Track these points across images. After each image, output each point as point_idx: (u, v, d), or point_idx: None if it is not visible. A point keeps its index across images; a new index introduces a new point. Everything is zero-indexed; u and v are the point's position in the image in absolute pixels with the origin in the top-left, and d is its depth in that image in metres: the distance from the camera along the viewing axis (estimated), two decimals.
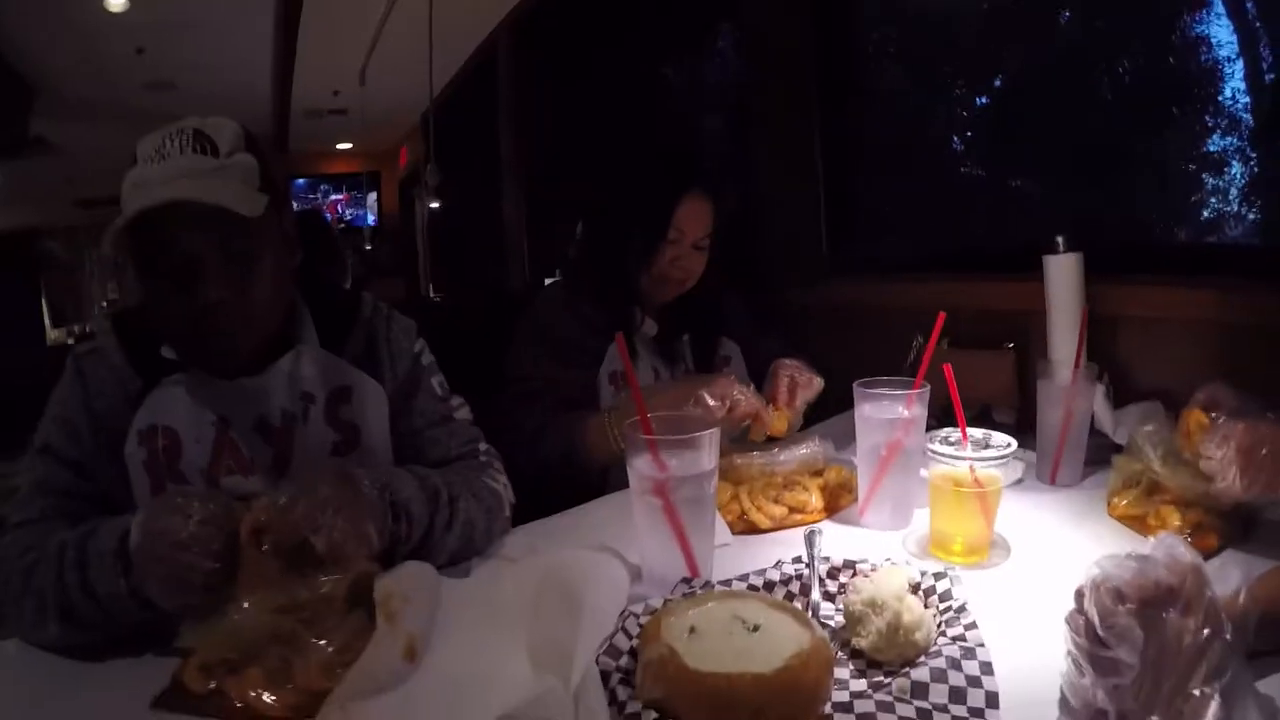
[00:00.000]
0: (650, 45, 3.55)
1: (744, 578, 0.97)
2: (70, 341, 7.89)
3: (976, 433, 1.14)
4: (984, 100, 2.33)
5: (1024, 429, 1.50)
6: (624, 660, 0.80)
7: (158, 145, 1.05)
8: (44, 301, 9.63)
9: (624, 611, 0.88)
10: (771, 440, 1.48)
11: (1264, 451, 1.00)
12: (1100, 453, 1.41)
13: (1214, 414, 1.11)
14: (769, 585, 0.96)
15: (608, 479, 1.56)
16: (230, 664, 0.82)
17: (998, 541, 1.12)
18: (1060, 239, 1.58)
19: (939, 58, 2.34)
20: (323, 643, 0.83)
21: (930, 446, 1.10)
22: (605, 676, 0.77)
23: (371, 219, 9.04)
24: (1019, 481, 1.40)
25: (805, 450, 1.37)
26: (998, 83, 2.26)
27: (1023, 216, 2.12)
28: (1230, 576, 0.79)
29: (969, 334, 1.90)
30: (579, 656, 0.80)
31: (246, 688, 0.80)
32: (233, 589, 0.88)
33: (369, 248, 8.07)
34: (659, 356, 1.79)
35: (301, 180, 8.87)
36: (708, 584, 0.96)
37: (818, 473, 1.35)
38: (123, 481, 1.12)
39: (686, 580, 0.97)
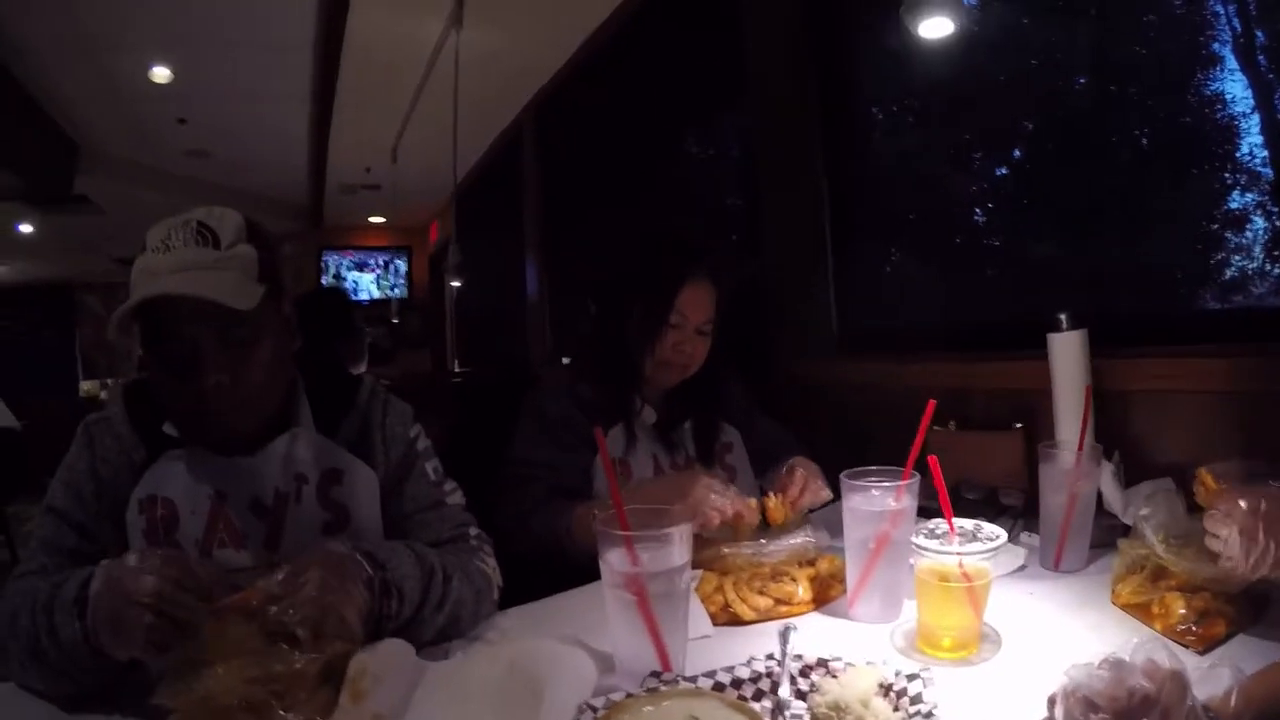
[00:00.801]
0: (663, 127, 3.61)
1: (711, 674, 0.92)
2: (102, 394, 8.07)
3: (966, 523, 1.08)
4: (996, 172, 2.30)
5: (1032, 512, 1.46)
6: None
7: (164, 236, 1.11)
8: (78, 353, 9.81)
9: (582, 706, 0.85)
10: (765, 527, 1.44)
11: (1270, 523, 0.94)
12: (1111, 535, 1.34)
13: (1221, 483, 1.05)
14: (737, 682, 0.91)
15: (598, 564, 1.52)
16: None
17: (989, 634, 1.06)
18: (1063, 316, 1.54)
19: (946, 131, 2.33)
20: (289, 715, 0.85)
21: (915, 541, 1.05)
22: None
23: (395, 292, 9.18)
24: (1021, 568, 1.34)
25: (797, 540, 1.31)
26: (1010, 153, 2.24)
27: (1034, 290, 2.08)
28: (1221, 676, 0.73)
29: (979, 414, 1.87)
30: None
31: None
32: (199, 649, 0.90)
33: (396, 321, 8.16)
34: (659, 443, 1.75)
35: (334, 251, 9.06)
36: (678, 678, 0.92)
37: (810, 562, 1.30)
38: (123, 546, 1.15)
39: (657, 674, 0.93)
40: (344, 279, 8.99)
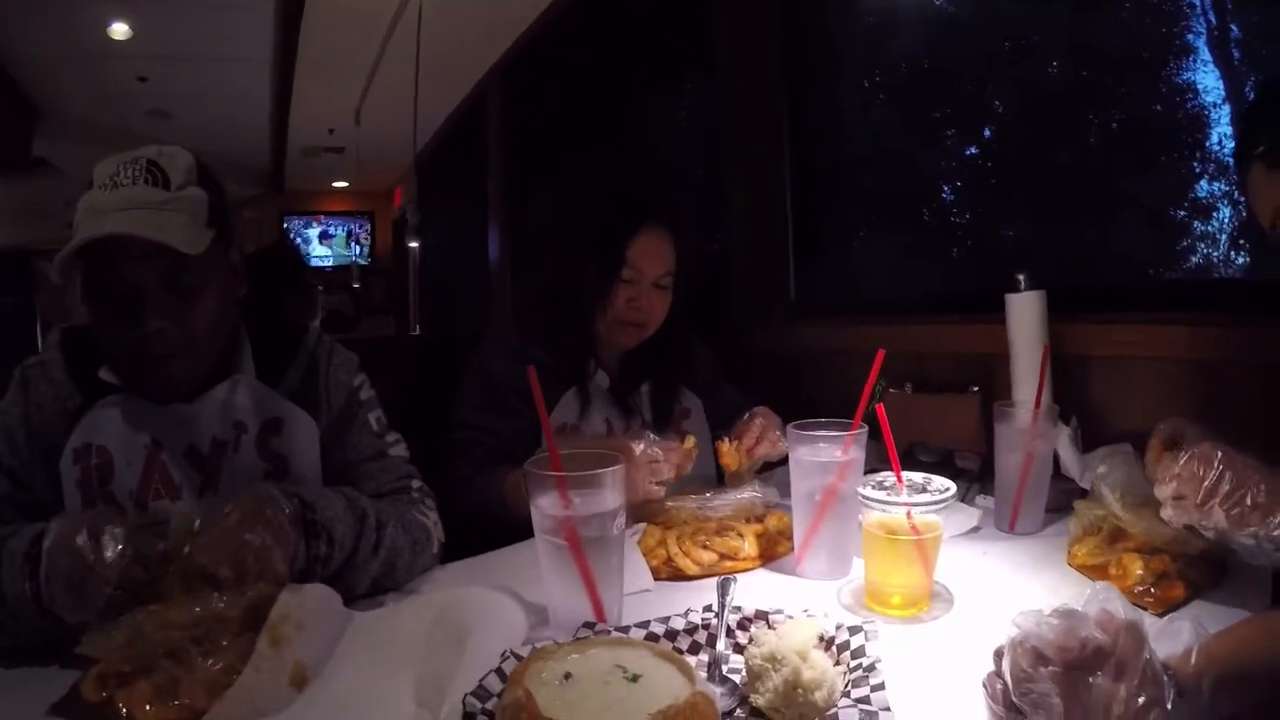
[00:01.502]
0: (630, 93, 3.54)
1: (645, 624, 0.88)
2: None
3: (915, 476, 1.04)
4: (966, 150, 2.28)
5: (988, 475, 1.44)
6: (491, 703, 0.73)
7: (112, 172, 1.08)
8: (37, 320, 9.60)
9: (505, 652, 0.81)
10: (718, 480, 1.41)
11: (1221, 475, 0.91)
12: (1067, 499, 1.31)
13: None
14: (671, 634, 0.87)
15: None
16: (124, 676, 0.82)
17: (940, 592, 1.03)
18: (1021, 277, 1.51)
19: (916, 107, 2.30)
20: (210, 661, 0.83)
21: (862, 491, 1.01)
22: (469, 718, 0.72)
23: (357, 256, 9.04)
24: (976, 529, 1.31)
25: (744, 495, 1.27)
26: (980, 131, 2.21)
27: (993, 259, 2.06)
28: (1181, 632, 0.68)
29: (935, 378, 1.84)
30: (451, 694, 0.76)
31: (135, 701, 0.80)
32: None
33: (356, 285, 8.03)
34: (614, 408, 1.67)
35: (296, 216, 8.88)
36: (611, 629, 0.87)
37: (758, 518, 1.26)
38: (56, 494, 1.13)
39: (590, 625, 0.89)
40: (304, 244, 8.81)
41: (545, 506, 0.94)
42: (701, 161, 3.20)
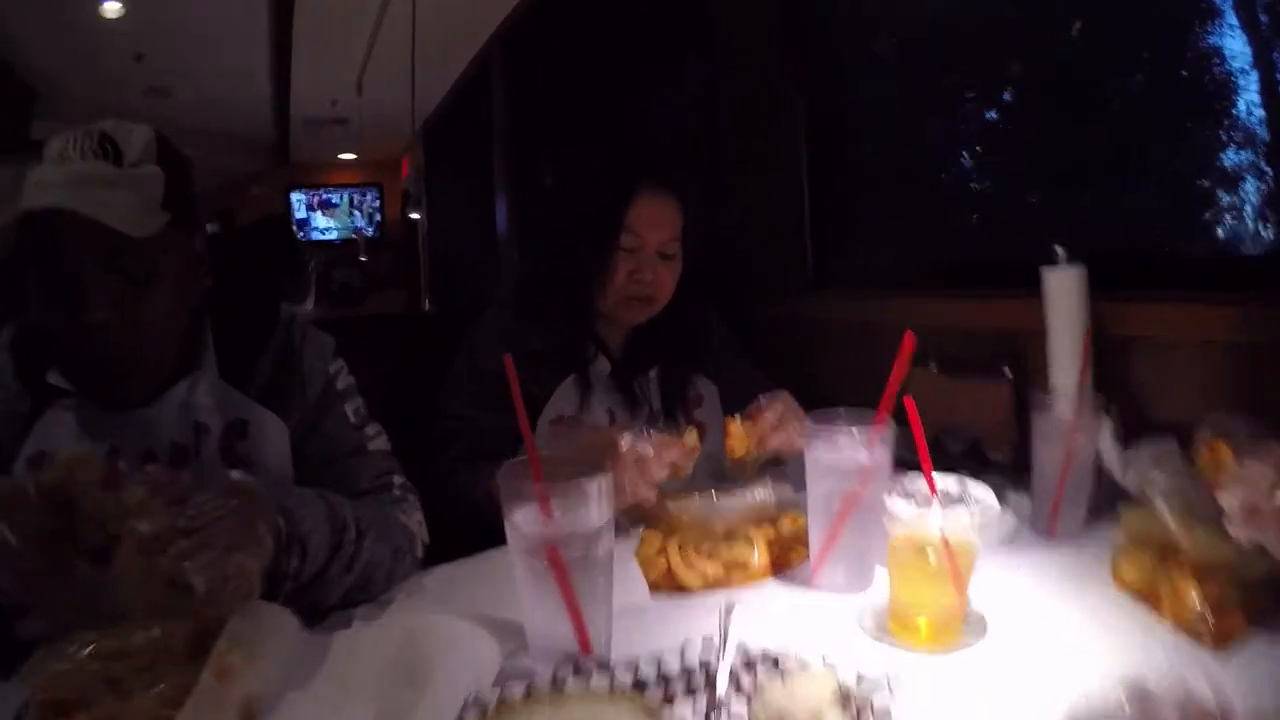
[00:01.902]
0: (631, 53, 3.37)
1: (634, 666, 0.76)
2: None
3: (950, 482, 0.92)
4: (986, 109, 2.12)
5: (1022, 468, 1.30)
6: None
7: (62, 146, 0.99)
8: None
9: (469, 701, 0.71)
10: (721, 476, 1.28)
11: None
12: (1109, 499, 1.18)
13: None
14: (665, 678, 0.75)
15: None
16: (65, 706, 0.74)
17: (973, 616, 0.91)
18: (1060, 250, 1.36)
19: (936, 61, 2.14)
20: (153, 692, 0.74)
21: (889, 505, 0.88)
22: None
23: (364, 228, 8.92)
24: (1010, 534, 1.18)
25: (755, 496, 1.14)
26: (1001, 92, 2.06)
27: (1026, 228, 1.91)
28: None
29: (962, 358, 1.70)
30: None
31: None
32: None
33: (364, 259, 7.93)
34: (617, 395, 1.54)
35: (303, 190, 8.77)
36: (594, 667, 0.76)
37: (770, 521, 1.14)
38: None
39: (572, 658, 0.79)
40: (308, 218, 8.72)
41: (521, 523, 0.82)
42: (710, 124, 3.04)
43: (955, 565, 0.84)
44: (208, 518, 0.81)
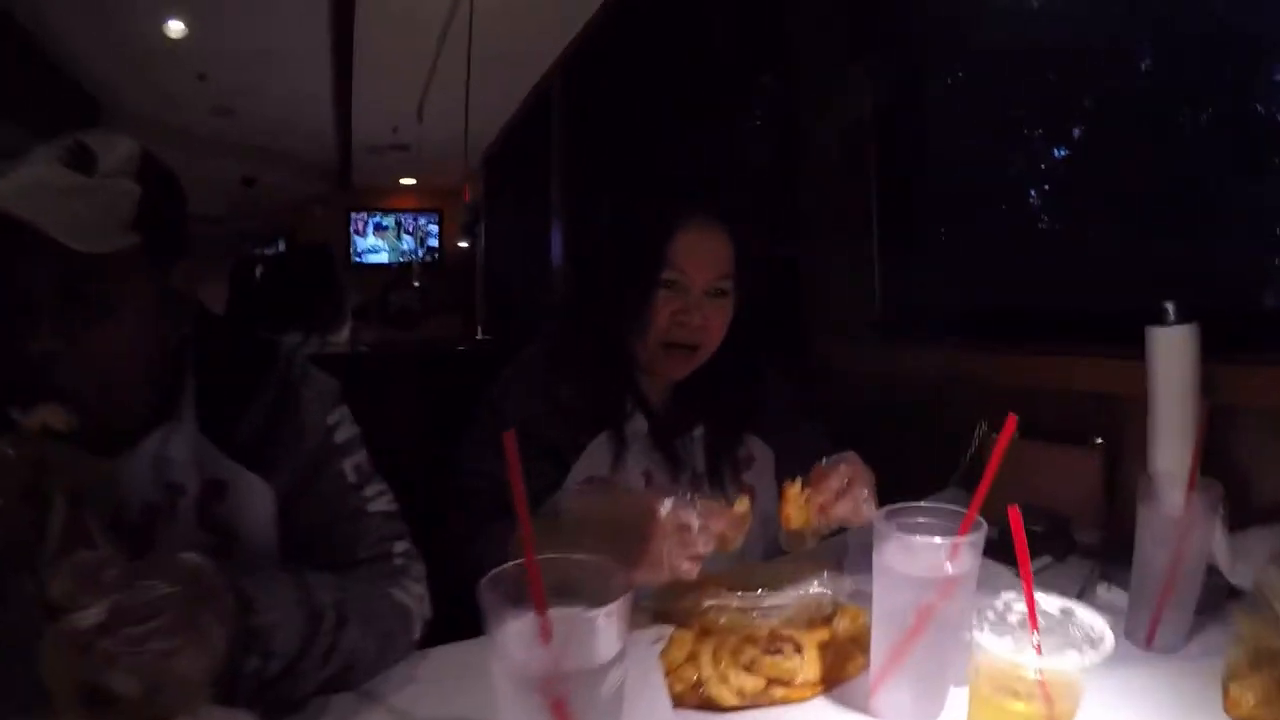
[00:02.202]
0: (699, 87, 3.25)
1: None
2: None
3: (1052, 605, 0.74)
4: (1073, 143, 1.94)
5: (1112, 555, 1.15)
6: None
7: (35, 150, 0.89)
8: None
9: None
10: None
11: None
12: (1215, 597, 1.03)
13: None
14: None
15: None
16: None
17: None
18: (1169, 306, 1.18)
19: (1015, 99, 1.97)
20: None
21: (975, 631, 0.71)
22: None
23: (412, 253, 8.95)
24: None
25: (809, 590, 0.98)
26: (1076, 130, 1.88)
27: (1120, 278, 1.71)
28: None
29: (1048, 422, 1.52)
30: None
31: None
32: None
33: (418, 284, 7.95)
34: (657, 456, 1.37)
35: (362, 215, 8.86)
36: None
37: (825, 619, 0.98)
38: None
39: None
40: (353, 241, 8.81)
41: (512, 647, 0.66)
42: (773, 159, 2.89)
43: (1053, 712, 0.68)
44: (144, 612, 0.68)
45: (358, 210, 8.74)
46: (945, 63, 2.12)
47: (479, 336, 6.60)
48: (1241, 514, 1.12)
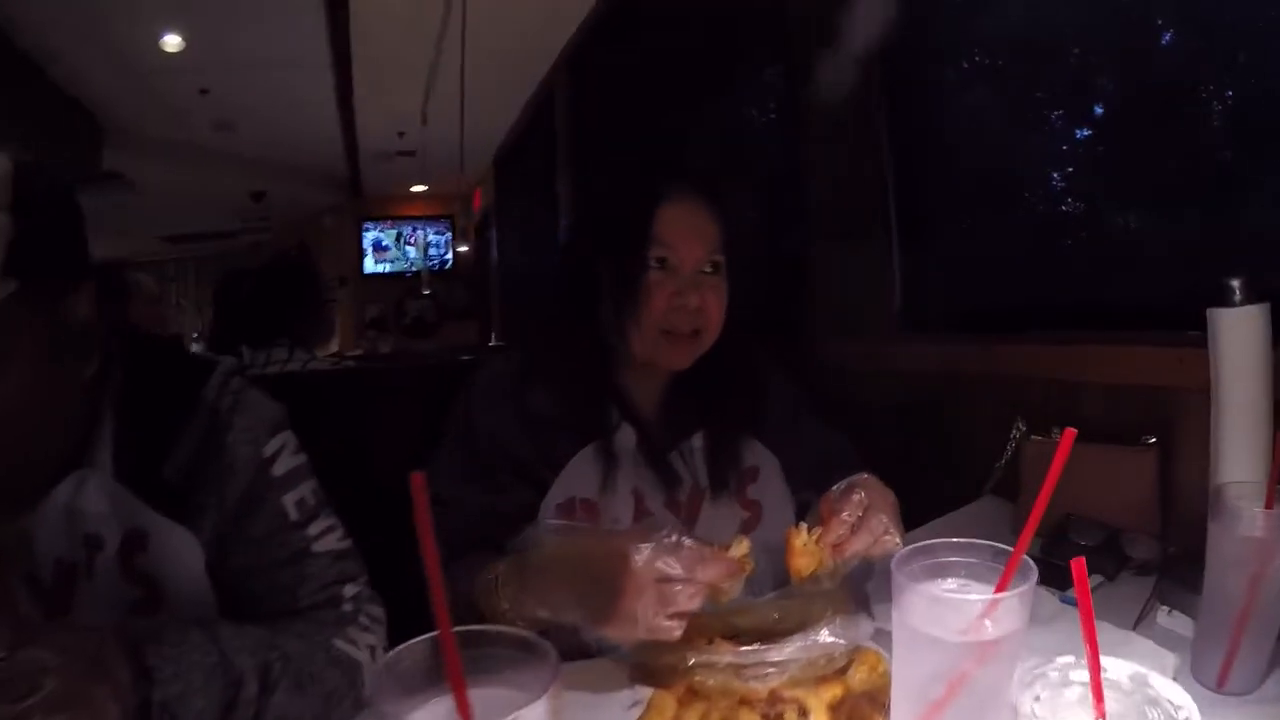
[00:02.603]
0: (702, 80, 3.12)
1: None
2: None
3: (1120, 672, 0.57)
4: (1086, 129, 1.76)
5: (1171, 568, 1.01)
6: None
7: None
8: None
9: None
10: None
11: None
12: None
13: None
14: None
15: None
16: None
17: None
18: (1235, 283, 1.01)
19: (1034, 79, 1.81)
20: None
21: (1022, 710, 0.55)
22: None
23: (413, 263, 8.89)
24: None
25: (818, 639, 0.82)
26: (1098, 109, 1.71)
27: (1168, 259, 1.55)
28: None
29: (1094, 420, 1.38)
30: None
31: None
32: None
33: (427, 292, 7.86)
34: (649, 471, 1.21)
35: (374, 224, 8.81)
36: None
37: (839, 671, 0.83)
38: None
39: None
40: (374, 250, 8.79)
41: None
42: (783, 147, 2.74)
43: None
44: (21, 687, 0.60)
45: (369, 219, 8.68)
46: (959, 45, 1.96)
47: (492, 343, 6.49)
48: None
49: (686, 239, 1.19)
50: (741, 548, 0.90)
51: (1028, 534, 0.62)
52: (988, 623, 0.62)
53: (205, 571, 0.90)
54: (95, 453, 0.87)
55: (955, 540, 0.68)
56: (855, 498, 0.98)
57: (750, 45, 2.72)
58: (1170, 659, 0.85)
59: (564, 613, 0.88)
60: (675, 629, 0.83)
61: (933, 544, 0.68)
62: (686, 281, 1.18)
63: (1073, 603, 1.05)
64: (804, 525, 0.95)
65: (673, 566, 0.84)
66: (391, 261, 8.82)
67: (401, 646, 0.55)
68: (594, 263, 1.23)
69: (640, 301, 1.17)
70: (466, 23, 3.60)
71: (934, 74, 1.97)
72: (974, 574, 0.67)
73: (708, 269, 1.21)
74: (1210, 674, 0.84)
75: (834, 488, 1.01)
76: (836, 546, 0.95)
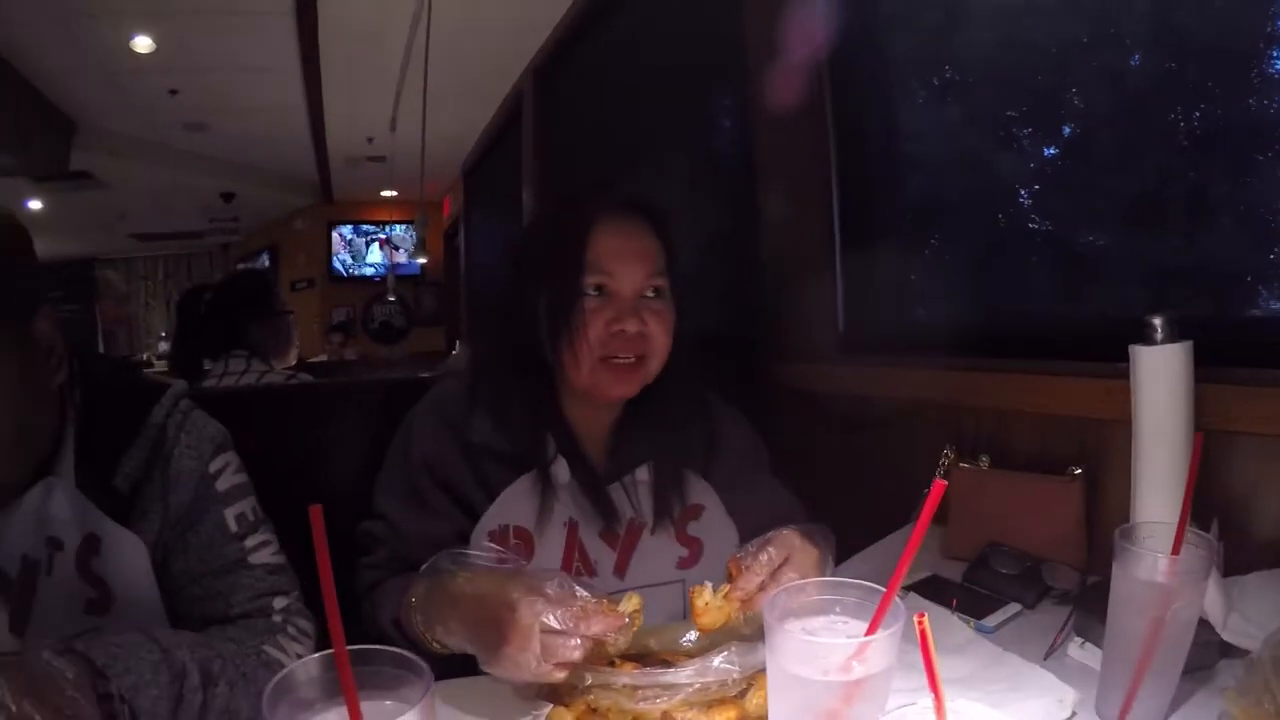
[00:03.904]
0: (665, 95, 3.12)
1: None
2: None
3: (978, 717, 0.55)
4: (1045, 151, 1.77)
5: (1090, 600, 0.98)
6: None
7: None
8: (99, 328, 9.89)
9: None
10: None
11: None
12: (1202, 655, 0.87)
13: None
14: None
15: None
16: None
17: None
18: (1158, 321, 1.01)
19: (989, 104, 1.82)
20: None
21: None
22: None
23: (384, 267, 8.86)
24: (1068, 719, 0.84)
25: (715, 664, 0.81)
26: (1063, 129, 1.71)
27: (1101, 290, 1.55)
28: None
29: (1022, 449, 1.37)
30: None
31: None
32: None
33: (392, 299, 7.80)
34: (586, 503, 1.18)
35: (345, 226, 8.77)
36: None
37: (739, 695, 0.82)
38: None
39: None
40: (342, 255, 8.74)
41: None
42: (739, 166, 2.73)
43: None
44: None
45: (339, 222, 8.63)
46: (916, 64, 1.96)
47: (457, 350, 6.45)
48: (1239, 554, 0.99)
49: (625, 263, 1.15)
50: (632, 603, 0.89)
51: (896, 579, 0.61)
52: (855, 663, 0.61)
53: (153, 574, 0.97)
54: (60, 463, 0.95)
55: (831, 579, 0.69)
56: (764, 556, 0.95)
57: (711, 60, 2.72)
58: (1071, 694, 0.85)
59: (463, 645, 0.90)
60: (559, 674, 0.82)
61: (806, 583, 0.69)
62: (626, 307, 1.14)
63: (988, 631, 1.06)
64: (708, 585, 0.93)
65: (557, 621, 0.82)
66: (360, 266, 8.79)
67: (294, 664, 0.59)
68: (532, 288, 1.19)
69: (576, 330, 1.13)
70: (432, 31, 3.57)
71: (884, 93, 1.97)
72: (850, 611, 0.67)
73: (649, 294, 1.17)
74: (1113, 710, 0.83)
75: (748, 545, 0.99)
76: (745, 602, 0.92)
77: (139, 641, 0.82)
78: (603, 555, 1.17)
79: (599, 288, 1.14)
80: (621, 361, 1.15)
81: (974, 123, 1.85)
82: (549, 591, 0.84)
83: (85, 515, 0.95)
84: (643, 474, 1.22)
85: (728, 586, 0.92)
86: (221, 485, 1.03)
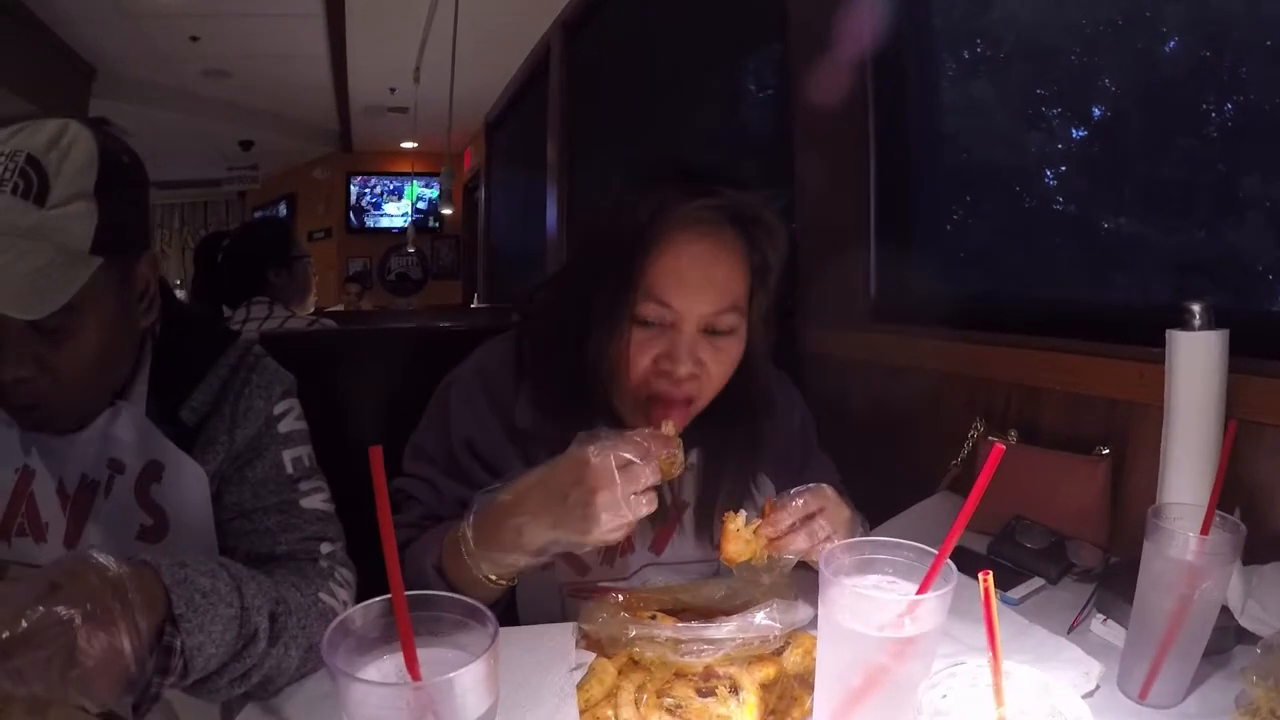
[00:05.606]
0: (699, 54, 3.07)
1: None
2: None
3: (1028, 680, 0.58)
4: (1082, 129, 1.76)
5: (1113, 578, 1.02)
6: None
7: None
8: None
9: None
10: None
11: None
12: (1222, 639, 0.90)
13: None
14: None
15: (514, 596, 1.06)
16: None
17: None
18: (1197, 307, 1.02)
19: (1028, 73, 1.81)
20: None
21: (925, 694, 0.57)
22: None
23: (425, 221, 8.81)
24: (1090, 693, 0.87)
25: (756, 621, 0.84)
26: (1096, 111, 1.70)
27: (1141, 273, 1.55)
28: None
29: (1049, 426, 1.39)
30: None
31: None
32: None
33: (411, 250, 7.78)
34: None
35: (364, 176, 8.75)
36: None
37: (775, 653, 0.85)
38: None
39: None
40: (365, 209, 8.69)
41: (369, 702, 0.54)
42: (773, 130, 2.70)
43: None
44: (36, 643, 0.63)
45: (358, 173, 8.61)
46: (950, 41, 1.95)
47: (474, 305, 6.46)
48: (1259, 543, 0.98)
49: (688, 295, 0.99)
50: (669, 428, 0.93)
51: (950, 541, 0.64)
52: (907, 620, 0.64)
53: (210, 506, 0.99)
54: (133, 390, 0.99)
55: (883, 539, 0.71)
56: (802, 501, 0.93)
57: (748, 20, 2.68)
58: (1096, 667, 0.88)
59: (537, 537, 0.89)
60: (651, 505, 0.86)
61: (860, 541, 0.71)
62: (682, 344, 1.00)
63: (1011, 603, 1.08)
64: (743, 512, 0.93)
65: (629, 451, 0.85)
66: (377, 217, 8.79)
67: (355, 607, 0.59)
68: (584, 288, 1.06)
69: (617, 361, 1.03)
70: None
71: (925, 70, 1.96)
72: (900, 572, 0.69)
73: (719, 327, 1.02)
74: (1134, 685, 0.86)
75: (786, 491, 0.97)
76: (772, 541, 0.92)
77: (224, 593, 0.78)
78: (644, 533, 1.15)
79: (645, 322, 1.01)
80: (669, 399, 1.04)
81: (1013, 99, 1.84)
82: (602, 435, 0.87)
83: (151, 442, 0.98)
84: (694, 458, 1.13)
85: (760, 521, 0.93)
86: (283, 428, 1.06)
